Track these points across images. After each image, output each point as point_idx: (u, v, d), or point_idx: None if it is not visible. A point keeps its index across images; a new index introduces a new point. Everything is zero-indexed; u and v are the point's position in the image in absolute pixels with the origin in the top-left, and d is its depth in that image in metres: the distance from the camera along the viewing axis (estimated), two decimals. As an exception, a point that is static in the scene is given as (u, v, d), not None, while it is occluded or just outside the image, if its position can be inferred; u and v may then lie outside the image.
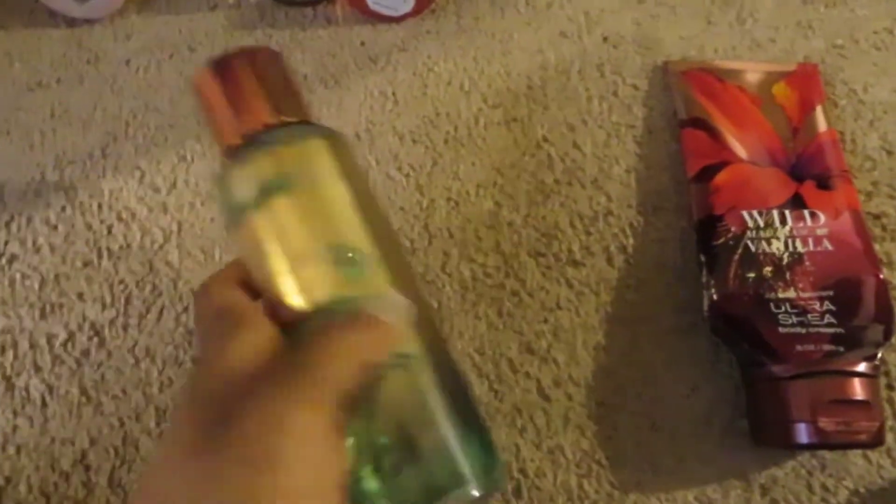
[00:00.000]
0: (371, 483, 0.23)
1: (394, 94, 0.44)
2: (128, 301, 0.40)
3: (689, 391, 0.37)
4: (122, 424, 0.37)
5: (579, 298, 0.39)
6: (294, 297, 0.24)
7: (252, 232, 0.25)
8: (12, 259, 0.41)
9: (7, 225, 0.41)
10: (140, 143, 0.43)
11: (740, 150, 0.39)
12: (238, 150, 0.26)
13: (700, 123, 0.40)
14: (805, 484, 0.35)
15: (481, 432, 0.25)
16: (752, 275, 0.35)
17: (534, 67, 0.44)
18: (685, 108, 0.41)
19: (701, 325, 0.38)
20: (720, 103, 0.40)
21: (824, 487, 0.35)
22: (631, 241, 0.39)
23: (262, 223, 0.25)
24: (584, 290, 0.39)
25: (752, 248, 0.36)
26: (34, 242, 0.41)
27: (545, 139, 0.42)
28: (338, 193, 0.26)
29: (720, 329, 0.35)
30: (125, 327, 0.39)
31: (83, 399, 0.38)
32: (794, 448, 0.34)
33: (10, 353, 0.39)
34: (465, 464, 0.23)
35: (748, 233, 0.36)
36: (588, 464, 0.36)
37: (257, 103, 0.26)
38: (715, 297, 0.35)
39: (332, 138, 0.27)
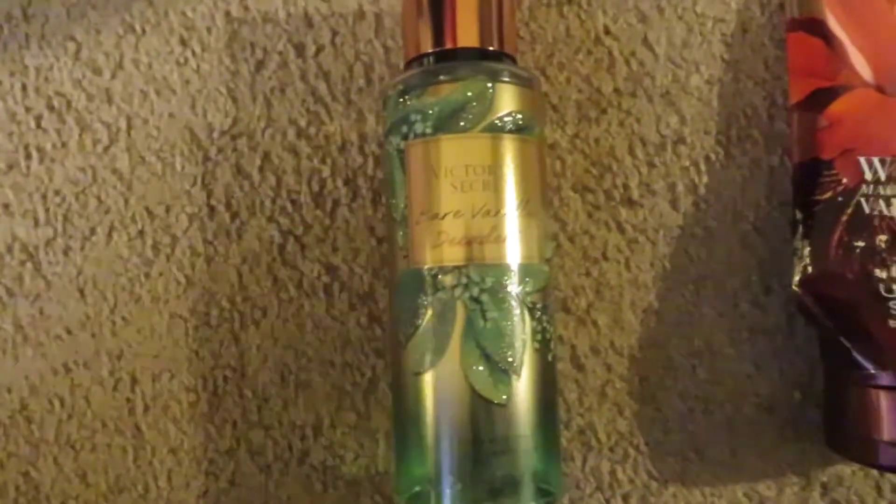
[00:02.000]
0: None
1: (410, -48, 0.33)
2: (66, 218, 0.31)
3: (753, 370, 0.31)
4: (67, 371, 0.31)
5: (631, 248, 0.31)
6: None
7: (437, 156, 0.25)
8: (-85, 154, 0.32)
9: None
10: (73, 3, 0.33)
11: (866, 71, 0.29)
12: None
13: (817, 27, 0.30)
14: (874, 486, 0.30)
15: None
16: (861, 244, 0.28)
17: (599, -74, 0.33)
18: (798, 3, 0.30)
19: (779, 293, 0.31)
20: (846, 1, 0.30)
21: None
22: (704, 178, 0.31)
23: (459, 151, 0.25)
24: (637, 238, 0.31)
25: (866, 209, 0.28)
26: (-58, 133, 0.32)
27: (607, 31, 0.32)
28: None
29: (810, 311, 0.28)
30: (65, 251, 0.31)
31: (18, 338, 0.31)
32: (884, 471, 0.28)
33: (-78, 277, 0.31)
34: None
35: (863, 187, 0.28)
36: (624, 448, 0.30)
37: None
38: (810, 269, 0.28)
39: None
